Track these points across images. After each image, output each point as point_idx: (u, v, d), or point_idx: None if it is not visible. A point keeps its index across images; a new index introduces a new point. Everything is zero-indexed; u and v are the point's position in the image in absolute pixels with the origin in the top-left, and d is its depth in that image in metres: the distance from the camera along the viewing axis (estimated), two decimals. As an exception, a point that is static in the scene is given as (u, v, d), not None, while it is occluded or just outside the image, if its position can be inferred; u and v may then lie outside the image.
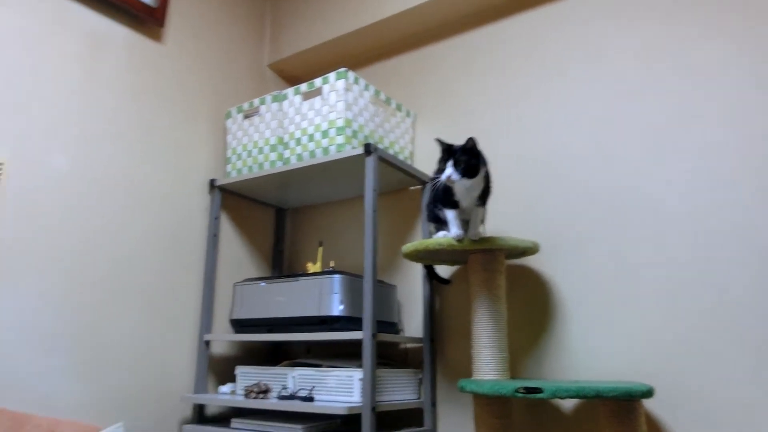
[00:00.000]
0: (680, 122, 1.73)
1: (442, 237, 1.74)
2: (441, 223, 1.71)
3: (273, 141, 2.11)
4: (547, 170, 1.93)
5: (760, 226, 1.55)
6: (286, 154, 2.07)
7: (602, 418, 1.47)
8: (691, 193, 1.67)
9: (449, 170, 1.54)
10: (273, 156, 2.10)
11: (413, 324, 2.10)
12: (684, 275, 1.63)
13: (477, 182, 1.58)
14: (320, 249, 2.19)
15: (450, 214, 1.64)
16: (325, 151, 1.96)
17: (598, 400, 1.47)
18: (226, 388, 2.02)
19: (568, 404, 1.74)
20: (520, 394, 1.41)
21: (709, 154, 1.67)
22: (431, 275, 2.01)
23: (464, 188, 1.58)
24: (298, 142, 2.04)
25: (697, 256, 1.63)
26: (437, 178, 1.60)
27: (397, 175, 2.07)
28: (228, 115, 2.27)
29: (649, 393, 1.40)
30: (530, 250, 1.73)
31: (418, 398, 1.95)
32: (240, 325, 2.03)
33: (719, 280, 1.58)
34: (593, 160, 1.85)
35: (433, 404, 1.95)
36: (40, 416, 1.54)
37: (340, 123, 1.94)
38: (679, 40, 1.78)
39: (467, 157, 1.55)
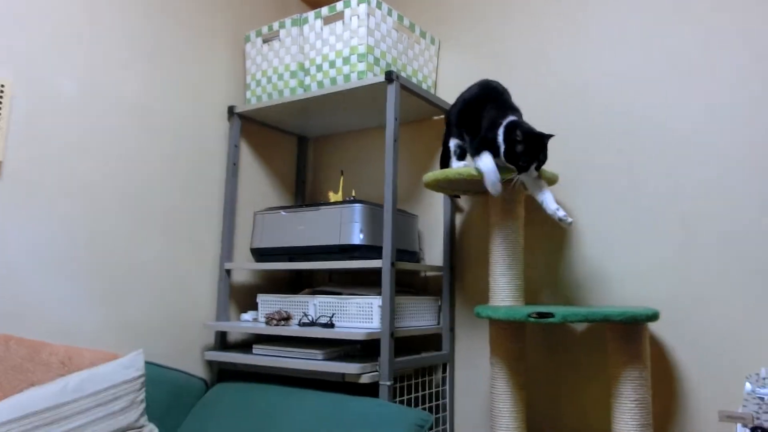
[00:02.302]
0: (705, 53, 1.67)
1: (462, 167, 1.71)
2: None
3: (293, 67, 2.06)
4: (568, 101, 1.89)
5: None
6: (307, 80, 2.02)
7: (609, 341, 1.51)
8: (710, 126, 1.64)
9: (534, 172, 1.53)
10: (293, 83, 2.06)
11: (434, 253, 2.11)
12: (698, 207, 1.64)
13: None
14: (341, 178, 2.18)
15: (489, 160, 1.57)
16: (347, 78, 1.91)
17: (606, 324, 1.51)
18: (247, 315, 2.07)
19: (579, 328, 1.78)
20: (532, 319, 1.44)
21: (732, 85, 1.62)
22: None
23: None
24: (319, 68, 1.98)
25: (711, 189, 1.63)
26: (513, 179, 1.56)
27: (419, 105, 2.02)
28: (247, 39, 2.21)
29: (654, 317, 1.45)
30: (549, 180, 1.71)
31: (437, 324, 1.98)
32: (260, 254, 2.05)
33: (731, 212, 1.59)
34: (615, 89, 1.80)
35: (451, 329, 1.99)
36: (56, 344, 1.57)
37: (361, 49, 1.88)
38: (726, -44, 1.66)
39: (545, 155, 1.54)
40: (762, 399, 1.30)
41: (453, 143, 1.78)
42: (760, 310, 1.53)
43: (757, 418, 1.29)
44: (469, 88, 1.74)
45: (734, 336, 1.56)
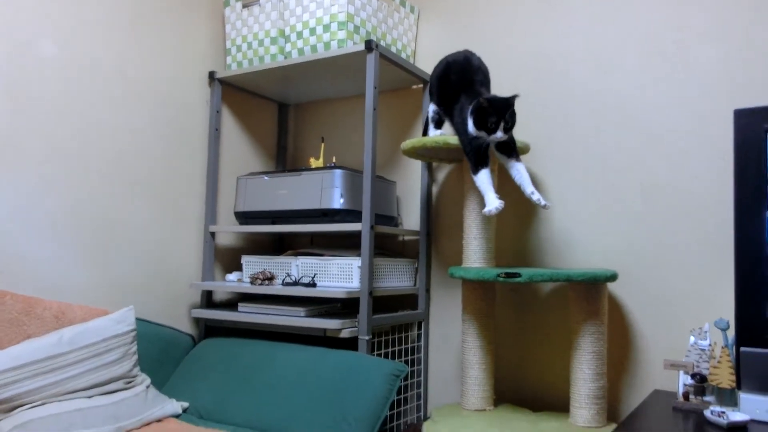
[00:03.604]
0: (673, 33, 1.76)
1: (438, 135, 1.79)
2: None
3: (273, 33, 2.09)
4: (542, 72, 1.96)
5: (727, 140, 1.63)
6: (288, 47, 2.06)
7: (571, 299, 1.65)
8: (675, 104, 1.75)
9: (500, 134, 1.57)
10: (274, 49, 2.09)
11: (411, 218, 2.20)
12: (658, 181, 1.76)
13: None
14: (322, 145, 2.25)
15: (485, 179, 1.64)
16: (327, 46, 1.96)
17: (569, 284, 1.64)
18: (232, 276, 2.15)
19: (543, 289, 1.91)
20: (501, 279, 1.56)
21: (696, 67, 1.72)
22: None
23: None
24: (300, 35, 2.02)
25: (669, 161, 1.74)
26: (477, 138, 1.61)
27: (398, 74, 2.08)
28: (226, 3, 2.23)
29: (612, 277, 1.58)
30: (521, 150, 1.80)
31: (413, 285, 2.09)
32: (244, 217, 2.12)
33: (685, 184, 1.72)
34: (587, 65, 1.89)
35: (427, 290, 2.10)
36: (49, 300, 1.65)
37: (341, 17, 1.92)
38: (692, -66, 1.74)
39: (514, 116, 1.60)
40: (703, 350, 1.44)
41: (431, 109, 1.86)
42: (706, 273, 1.67)
43: (697, 366, 1.44)
44: (455, 58, 1.78)
45: (683, 295, 1.70)
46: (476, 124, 1.59)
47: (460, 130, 1.66)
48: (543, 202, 1.61)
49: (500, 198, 1.62)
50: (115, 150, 1.93)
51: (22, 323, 1.53)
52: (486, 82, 1.75)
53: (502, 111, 1.57)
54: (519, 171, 1.65)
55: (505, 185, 1.98)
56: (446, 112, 1.79)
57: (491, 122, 1.57)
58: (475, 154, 1.65)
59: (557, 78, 1.93)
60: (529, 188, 1.63)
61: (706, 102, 1.70)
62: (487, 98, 1.58)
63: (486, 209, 1.61)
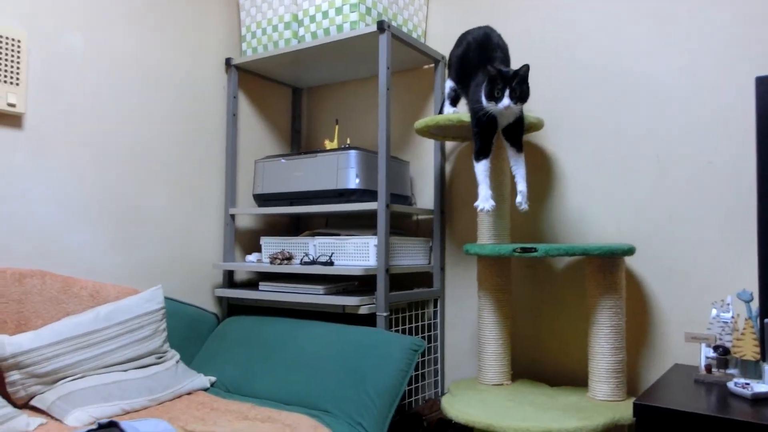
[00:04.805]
0: (684, 3, 1.74)
1: (452, 113, 1.81)
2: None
3: (287, 18, 2.12)
4: (552, 45, 1.96)
5: (746, 109, 1.62)
6: (301, 32, 2.09)
7: (587, 273, 1.66)
8: (687, 74, 1.73)
9: (506, 101, 1.56)
10: (288, 34, 2.12)
11: (425, 197, 2.23)
12: (673, 152, 1.75)
13: (519, 109, 1.63)
14: (336, 127, 2.28)
15: (482, 171, 1.66)
16: (339, 28, 1.98)
17: (585, 258, 1.65)
18: (252, 257, 2.21)
19: (559, 264, 1.92)
20: (516, 254, 1.58)
21: (708, 35, 1.70)
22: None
23: (512, 114, 1.63)
24: (313, 19, 2.05)
25: (686, 135, 1.73)
26: (481, 108, 1.61)
27: (410, 54, 2.10)
28: (241, -8, 2.26)
29: (630, 251, 1.58)
30: (535, 126, 1.81)
31: (429, 263, 2.13)
32: (262, 200, 2.17)
33: (701, 153, 1.71)
34: (598, 39, 1.88)
35: (442, 268, 2.13)
36: (84, 279, 1.74)
37: (353, -1, 1.94)
38: None
39: (524, 86, 1.58)
40: (726, 323, 1.44)
41: (449, 86, 1.87)
42: (726, 245, 1.66)
43: (720, 339, 1.44)
44: (474, 35, 1.77)
45: (702, 269, 1.69)
46: (486, 95, 1.60)
47: (475, 108, 1.68)
48: (523, 206, 1.64)
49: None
50: (138, 138, 2.00)
51: (61, 301, 1.62)
52: (506, 59, 1.75)
53: (510, 78, 1.57)
54: (518, 164, 1.68)
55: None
56: (463, 89, 1.81)
57: (497, 90, 1.57)
58: (479, 138, 1.66)
59: (568, 51, 1.93)
60: (521, 185, 1.66)
61: (723, 69, 1.68)
62: (497, 67, 1.59)
63: (478, 204, 1.65)
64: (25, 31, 1.70)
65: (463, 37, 1.82)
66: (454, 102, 1.87)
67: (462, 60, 1.79)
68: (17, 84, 1.64)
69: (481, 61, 1.71)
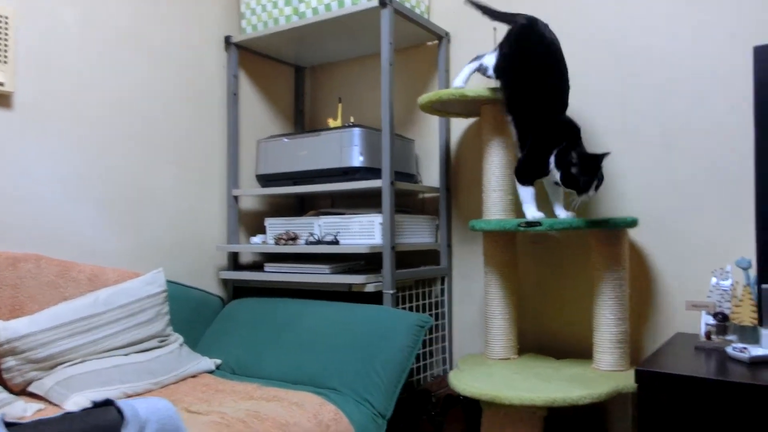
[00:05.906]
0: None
1: (458, 87, 1.78)
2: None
3: (287, -6, 2.08)
4: (562, 21, 1.92)
5: (749, 80, 1.59)
6: (302, 7, 2.05)
7: (592, 246, 1.65)
8: (692, 45, 1.71)
9: (592, 192, 1.48)
10: (288, 10, 2.09)
11: (430, 175, 2.21)
12: (678, 126, 1.73)
13: None
14: (339, 105, 2.25)
15: (528, 194, 1.63)
16: (341, 3, 1.94)
17: (589, 231, 1.65)
18: (256, 239, 2.20)
19: (565, 239, 1.91)
20: (522, 228, 1.57)
21: (714, 5, 1.67)
22: None
23: None
24: (313, -6, 2.01)
25: (692, 105, 1.71)
26: (548, 170, 1.57)
27: (413, 30, 2.06)
28: (239, -31, 2.22)
29: (633, 223, 1.58)
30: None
31: (435, 241, 2.11)
32: (266, 180, 2.15)
33: (706, 129, 1.69)
34: (604, 13, 1.84)
35: (449, 246, 2.12)
36: (83, 263, 1.71)
37: (354, -27, 1.90)
38: None
39: (602, 174, 1.50)
40: (725, 290, 1.45)
41: (480, 64, 1.75)
42: (726, 215, 1.66)
43: (719, 306, 1.45)
44: (551, 38, 1.62)
45: (704, 239, 1.69)
46: (564, 182, 1.51)
47: (534, 146, 1.59)
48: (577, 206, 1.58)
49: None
50: (139, 117, 1.97)
51: (58, 285, 1.59)
52: (567, 85, 1.64)
53: (594, 171, 1.46)
54: (557, 192, 1.66)
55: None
56: (511, 99, 1.65)
57: (583, 181, 1.46)
58: (533, 170, 1.60)
59: (574, 24, 1.90)
60: (558, 209, 1.65)
61: (725, 40, 1.66)
62: (578, 153, 1.46)
63: (529, 219, 1.61)
64: (11, 7, 1.65)
65: (535, 30, 1.61)
66: (471, 76, 1.79)
67: (522, 56, 1.61)
68: (5, 62, 1.61)
69: (551, 89, 1.58)
